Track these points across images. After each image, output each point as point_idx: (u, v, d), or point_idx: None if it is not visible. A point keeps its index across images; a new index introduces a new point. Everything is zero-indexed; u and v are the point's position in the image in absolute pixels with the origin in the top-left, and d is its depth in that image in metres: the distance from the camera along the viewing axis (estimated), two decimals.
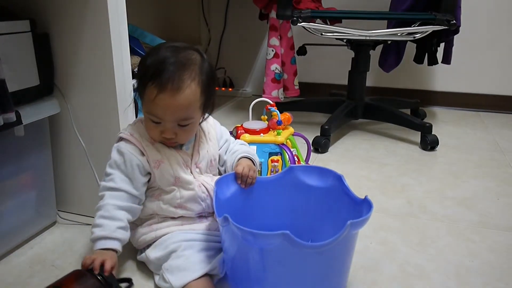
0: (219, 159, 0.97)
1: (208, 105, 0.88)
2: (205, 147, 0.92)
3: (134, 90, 0.89)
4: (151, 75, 0.79)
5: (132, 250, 0.93)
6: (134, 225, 0.92)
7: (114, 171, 0.84)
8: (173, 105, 0.79)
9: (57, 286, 0.72)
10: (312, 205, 0.92)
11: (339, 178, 0.87)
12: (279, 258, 0.71)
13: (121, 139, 0.87)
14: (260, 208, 0.92)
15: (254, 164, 0.94)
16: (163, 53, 0.81)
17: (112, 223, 0.80)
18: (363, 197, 0.80)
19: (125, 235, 0.82)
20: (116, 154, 0.85)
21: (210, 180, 0.91)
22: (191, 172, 0.89)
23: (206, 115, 0.91)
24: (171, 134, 0.83)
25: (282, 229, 0.67)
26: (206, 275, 0.79)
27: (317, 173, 0.92)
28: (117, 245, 0.80)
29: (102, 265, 0.75)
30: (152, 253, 0.86)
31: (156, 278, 0.84)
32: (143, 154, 0.85)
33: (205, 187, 0.89)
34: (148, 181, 0.87)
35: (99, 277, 0.74)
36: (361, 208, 0.78)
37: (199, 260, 0.81)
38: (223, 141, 0.98)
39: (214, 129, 0.97)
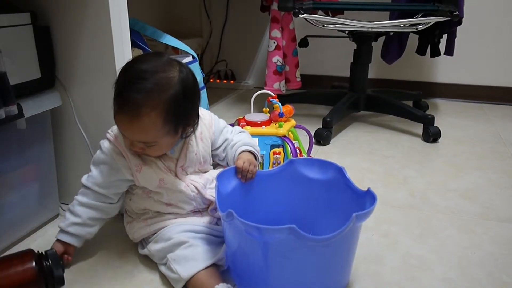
0: (218, 156, 0.96)
1: (183, 126, 0.83)
2: (193, 150, 0.89)
3: None
4: (117, 90, 0.77)
5: (134, 244, 0.93)
6: (130, 218, 0.92)
7: (93, 168, 0.87)
8: (130, 129, 0.78)
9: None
10: (313, 198, 0.91)
11: (340, 171, 0.87)
12: (284, 251, 0.71)
13: (107, 138, 0.86)
14: (261, 201, 0.92)
15: (255, 157, 0.93)
16: (138, 69, 0.77)
17: (70, 218, 0.87)
18: (365, 189, 0.80)
19: (81, 231, 0.87)
20: (98, 152, 0.87)
21: (198, 178, 0.89)
22: (176, 175, 0.87)
23: (190, 131, 0.86)
24: (137, 149, 0.82)
25: (283, 223, 0.67)
26: (213, 265, 0.80)
27: (318, 166, 0.91)
28: (68, 239, 0.86)
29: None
30: (154, 247, 0.86)
31: (162, 268, 0.84)
32: (124, 158, 0.84)
33: (194, 186, 0.88)
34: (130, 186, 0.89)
35: (45, 263, 0.77)
36: (363, 200, 0.78)
37: (206, 250, 0.81)
38: (222, 140, 0.94)
39: (209, 128, 0.92)
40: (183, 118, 0.81)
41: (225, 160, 0.95)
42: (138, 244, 0.92)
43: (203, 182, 0.89)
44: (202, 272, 0.78)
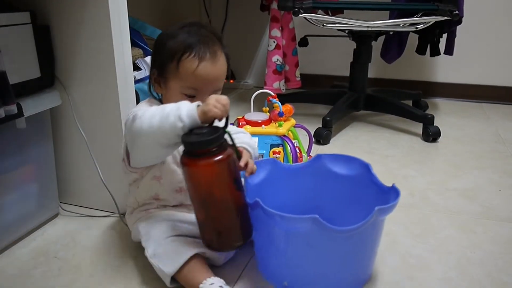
0: None
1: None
2: None
3: (150, 74, 0.88)
4: (184, 48, 0.81)
5: (134, 243, 0.93)
6: (131, 208, 0.92)
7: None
8: (213, 73, 0.82)
9: None
10: (338, 193, 0.93)
11: (366, 167, 0.89)
12: (306, 242, 0.73)
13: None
14: (288, 194, 0.94)
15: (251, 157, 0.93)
16: (184, 31, 0.83)
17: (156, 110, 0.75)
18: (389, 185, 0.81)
19: None
20: (144, 103, 0.88)
21: None
22: None
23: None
24: None
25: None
26: (201, 258, 0.80)
27: (344, 161, 0.93)
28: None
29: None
30: (140, 225, 0.87)
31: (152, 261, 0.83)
32: None
33: None
34: None
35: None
36: (387, 196, 0.80)
37: (188, 242, 0.81)
38: None
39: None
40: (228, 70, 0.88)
41: None
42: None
43: None
44: (188, 266, 0.77)
